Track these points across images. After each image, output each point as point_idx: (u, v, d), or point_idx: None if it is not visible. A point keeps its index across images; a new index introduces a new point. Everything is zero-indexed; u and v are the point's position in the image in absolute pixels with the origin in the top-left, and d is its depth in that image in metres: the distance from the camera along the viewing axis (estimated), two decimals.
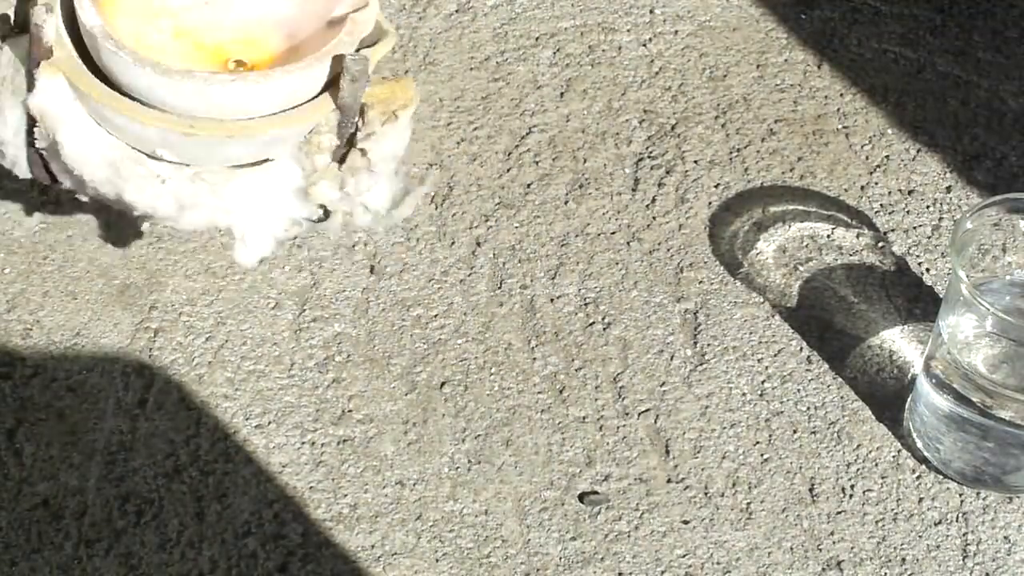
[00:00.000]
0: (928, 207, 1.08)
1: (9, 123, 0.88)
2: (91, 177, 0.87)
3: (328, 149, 0.90)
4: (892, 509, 0.94)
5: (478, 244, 1.05)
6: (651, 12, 1.19)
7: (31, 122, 0.88)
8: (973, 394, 0.91)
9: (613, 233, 1.06)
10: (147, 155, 0.89)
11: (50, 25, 0.85)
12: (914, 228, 1.07)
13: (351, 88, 0.88)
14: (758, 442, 0.97)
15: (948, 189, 1.10)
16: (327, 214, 0.91)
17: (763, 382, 0.99)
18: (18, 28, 0.89)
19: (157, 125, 0.87)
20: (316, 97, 0.89)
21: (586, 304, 1.02)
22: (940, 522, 0.94)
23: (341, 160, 0.90)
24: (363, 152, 0.89)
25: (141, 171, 0.87)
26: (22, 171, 0.91)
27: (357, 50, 0.91)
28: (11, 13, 0.90)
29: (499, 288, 1.03)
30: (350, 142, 0.90)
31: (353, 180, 0.90)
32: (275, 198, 0.89)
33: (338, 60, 0.88)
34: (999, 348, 0.92)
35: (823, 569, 0.92)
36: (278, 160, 0.89)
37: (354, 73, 0.87)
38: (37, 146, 0.89)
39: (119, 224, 1.03)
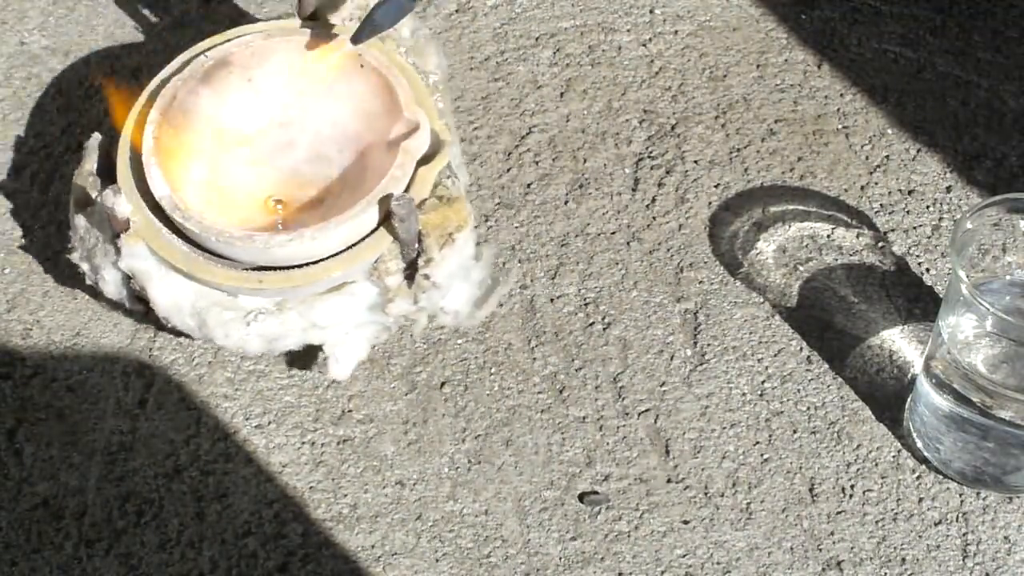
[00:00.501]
0: (928, 207, 1.08)
1: (109, 280, 0.95)
2: (182, 325, 0.93)
3: (396, 272, 0.94)
4: (892, 509, 0.94)
5: (478, 244, 1.05)
6: (651, 12, 1.19)
7: (127, 276, 0.94)
8: (973, 394, 0.91)
9: (613, 233, 1.06)
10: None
11: (121, 204, 0.91)
12: (914, 228, 1.07)
13: (403, 227, 0.92)
14: (758, 442, 0.97)
15: (948, 189, 1.10)
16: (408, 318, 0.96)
17: (763, 382, 0.99)
18: (84, 204, 0.96)
19: (229, 283, 0.92)
20: (374, 232, 0.93)
21: (586, 304, 1.02)
22: (940, 522, 0.94)
23: (410, 278, 0.94)
24: (427, 276, 0.93)
25: (228, 316, 0.92)
26: (129, 306, 0.97)
27: (416, 169, 0.94)
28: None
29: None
30: (413, 266, 0.94)
31: (424, 296, 0.94)
32: (357, 315, 0.94)
33: (387, 198, 0.92)
34: (999, 348, 0.93)
35: (823, 569, 0.92)
36: (356, 283, 0.93)
37: (401, 215, 0.91)
38: (138, 293, 0.95)
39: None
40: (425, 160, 0.95)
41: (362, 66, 0.97)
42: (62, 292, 1.01)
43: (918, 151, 1.11)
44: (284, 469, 0.94)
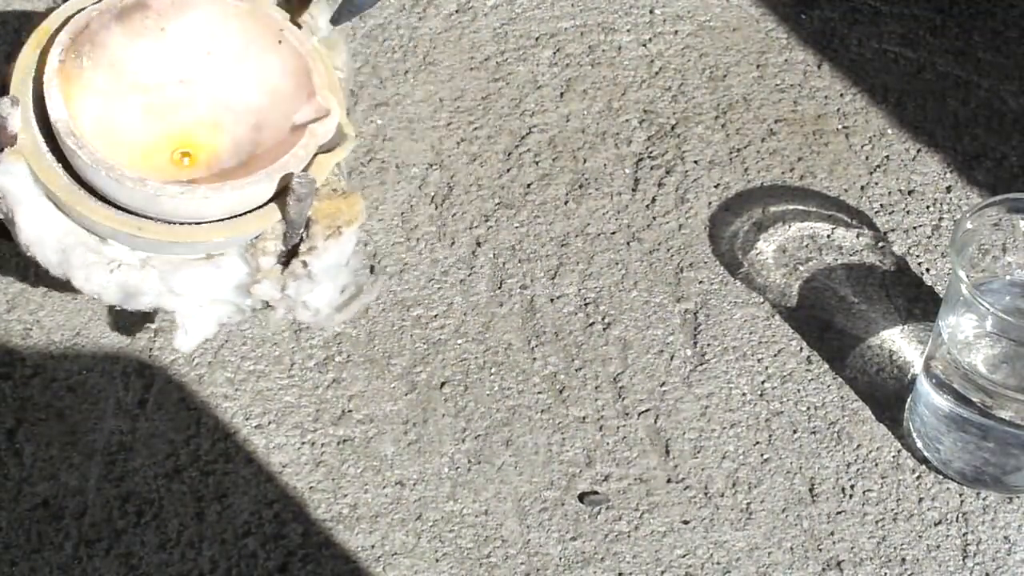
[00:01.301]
0: (928, 207, 1.08)
1: None
2: (43, 259, 0.91)
3: (273, 253, 0.92)
4: (892, 509, 0.94)
5: (478, 244, 1.05)
6: (651, 12, 1.19)
7: None
8: (973, 394, 0.91)
9: (613, 233, 1.06)
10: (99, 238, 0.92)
11: (15, 117, 0.88)
12: (914, 228, 1.07)
13: (297, 206, 0.90)
14: (758, 442, 0.97)
15: (948, 189, 1.10)
16: (269, 305, 0.94)
17: (763, 382, 0.99)
18: None
19: (107, 224, 0.89)
20: (264, 206, 0.92)
21: (586, 304, 1.02)
22: (940, 522, 0.94)
23: (285, 264, 0.93)
24: (304, 264, 0.92)
25: (92, 258, 0.90)
26: None
27: (315, 155, 0.93)
28: None
29: (499, 288, 1.03)
30: (293, 251, 0.92)
31: (294, 284, 0.92)
32: (219, 290, 0.92)
33: (287, 175, 0.91)
34: (999, 348, 0.92)
35: (823, 569, 0.92)
36: (225, 256, 0.92)
37: (300, 194, 0.90)
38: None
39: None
40: (326, 149, 0.93)
41: (280, 42, 0.95)
42: (62, 292, 1.01)
43: (918, 151, 1.11)
44: (284, 469, 0.94)
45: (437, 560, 0.91)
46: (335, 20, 0.95)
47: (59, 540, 0.90)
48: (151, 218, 0.90)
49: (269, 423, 0.96)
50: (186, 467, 0.94)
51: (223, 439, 0.95)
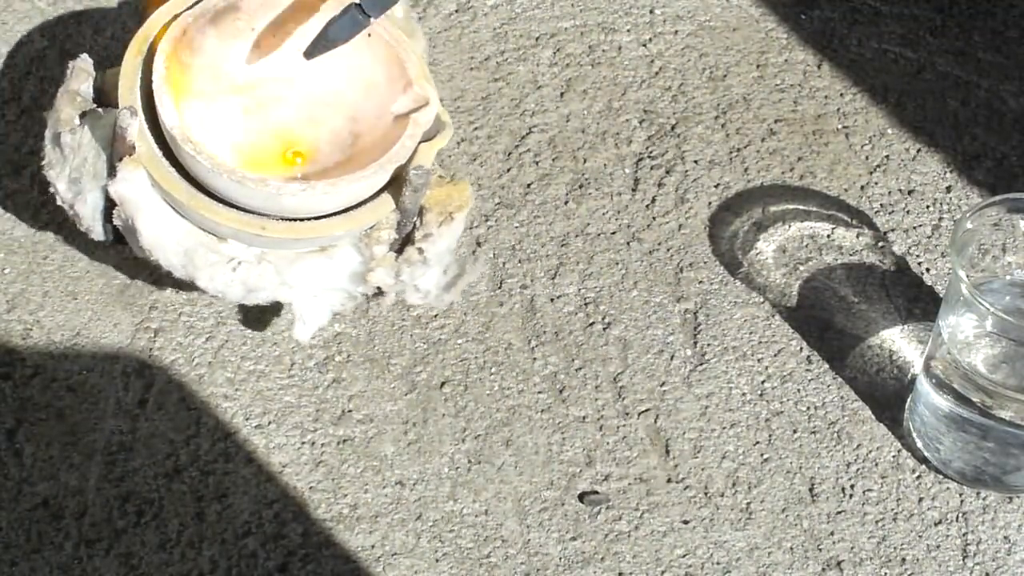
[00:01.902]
0: (928, 207, 1.08)
1: (88, 203, 0.93)
2: (166, 262, 0.92)
3: (387, 242, 0.94)
4: (892, 509, 0.94)
5: (478, 244, 1.05)
6: (651, 12, 1.19)
7: (110, 202, 0.92)
8: (973, 394, 0.91)
9: (613, 233, 1.06)
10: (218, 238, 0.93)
11: (134, 127, 0.90)
12: (914, 228, 1.07)
13: (412, 197, 0.92)
14: (758, 442, 0.97)
15: (948, 189, 1.10)
16: (381, 291, 0.95)
17: (763, 382, 0.99)
18: (96, 102, 0.94)
19: (231, 225, 0.91)
20: (377, 196, 0.93)
21: (586, 304, 1.02)
22: (940, 522, 0.94)
23: (398, 251, 0.95)
24: (420, 250, 0.94)
25: (213, 258, 0.92)
26: (97, 236, 0.95)
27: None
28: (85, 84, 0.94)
29: (499, 288, 1.03)
30: (408, 239, 0.94)
31: (408, 269, 0.94)
32: (334, 280, 0.94)
33: (400, 166, 0.92)
34: (999, 348, 0.92)
35: (823, 569, 0.92)
36: (339, 246, 0.93)
37: (416, 185, 0.92)
38: (115, 223, 0.93)
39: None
40: (426, 138, 0.95)
41: (369, 35, 0.96)
42: (62, 292, 1.01)
43: (918, 151, 1.11)
44: (284, 469, 0.94)
45: (437, 560, 0.91)
46: (308, 54, 0.95)
47: (59, 540, 0.90)
48: (270, 216, 0.91)
49: (269, 423, 0.96)
50: (186, 467, 0.94)
51: (223, 439, 0.95)
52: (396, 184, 0.93)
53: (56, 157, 0.93)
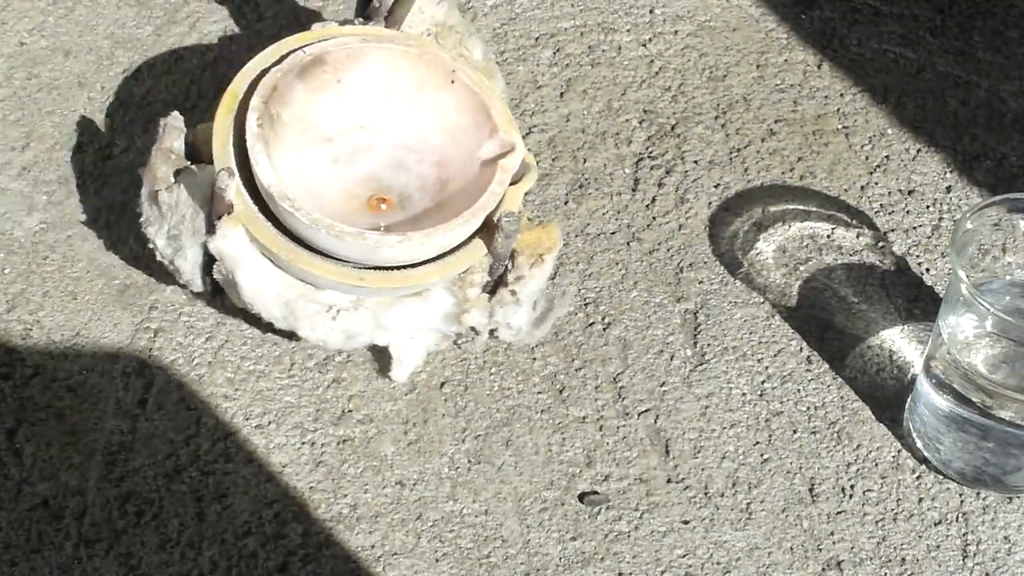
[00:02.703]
0: (928, 207, 1.08)
1: (189, 259, 0.95)
2: (267, 314, 0.94)
3: (479, 284, 0.96)
4: (892, 509, 0.94)
5: None
6: (651, 12, 1.19)
7: (209, 257, 0.94)
8: (973, 394, 0.91)
9: (613, 233, 1.06)
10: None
11: (232, 188, 0.92)
12: (914, 228, 1.07)
13: (505, 243, 0.95)
14: (758, 442, 0.97)
15: (948, 189, 1.10)
16: (475, 330, 0.98)
17: (763, 382, 0.99)
18: (188, 157, 0.97)
19: (331, 278, 0.93)
20: (469, 242, 0.95)
21: (586, 304, 1.02)
22: (940, 522, 0.94)
23: (491, 292, 0.97)
24: (513, 292, 0.96)
25: (313, 308, 0.94)
26: (197, 289, 0.97)
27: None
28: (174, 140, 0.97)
29: None
30: (500, 280, 0.97)
31: (501, 310, 0.96)
32: (428, 322, 0.96)
33: (490, 212, 0.95)
34: (999, 348, 0.92)
35: (823, 569, 0.92)
36: (434, 290, 0.95)
37: (508, 231, 0.94)
38: (215, 277, 0.95)
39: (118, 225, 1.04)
40: (512, 181, 0.97)
41: (453, 82, 0.98)
42: (62, 292, 1.01)
43: (918, 151, 1.11)
44: (284, 469, 0.94)
45: (437, 560, 0.91)
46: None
47: (59, 540, 0.90)
48: (367, 267, 0.94)
49: (269, 423, 0.96)
50: (186, 467, 0.94)
51: (223, 439, 0.95)
52: (486, 229, 0.95)
53: (154, 215, 0.95)
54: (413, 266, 0.94)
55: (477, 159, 0.97)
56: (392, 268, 0.94)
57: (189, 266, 0.96)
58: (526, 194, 1.01)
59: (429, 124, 0.99)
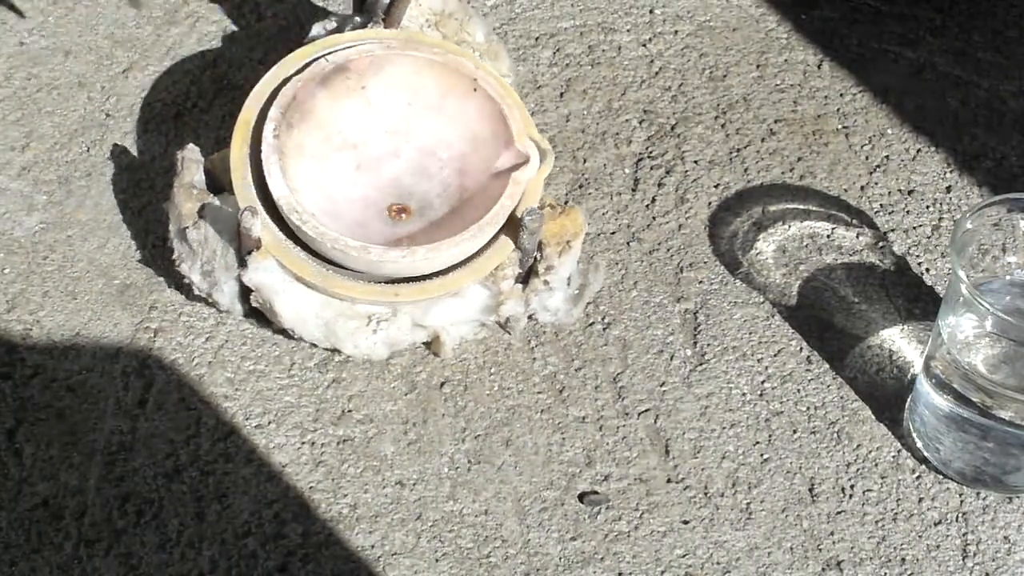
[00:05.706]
0: (928, 207, 1.08)
1: (226, 292, 0.97)
2: (309, 336, 0.97)
3: (512, 277, 0.98)
4: (892, 509, 0.94)
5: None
6: (651, 12, 1.19)
7: (245, 287, 0.96)
8: (973, 394, 0.91)
9: (613, 233, 1.06)
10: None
11: (256, 226, 0.93)
12: (914, 228, 1.07)
13: (530, 239, 0.96)
14: (758, 442, 0.97)
15: (948, 189, 1.10)
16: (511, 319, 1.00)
17: (763, 382, 0.99)
18: (208, 187, 0.99)
19: (367, 299, 0.95)
20: (495, 241, 0.97)
21: (586, 304, 1.02)
22: (940, 522, 0.94)
23: (524, 282, 0.99)
24: (545, 281, 0.98)
25: (353, 325, 0.96)
26: (239, 316, 0.99)
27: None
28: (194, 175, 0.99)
29: None
30: (531, 270, 0.98)
31: (536, 298, 0.98)
32: (468, 315, 0.98)
33: (506, 215, 0.96)
34: (999, 348, 0.93)
35: (823, 569, 0.92)
36: (467, 287, 0.97)
37: (532, 229, 0.96)
38: (253, 305, 0.97)
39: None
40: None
41: (475, 90, 0.99)
42: (62, 292, 1.01)
43: (918, 151, 1.11)
44: (284, 469, 0.94)
45: (437, 560, 0.91)
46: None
47: (59, 540, 0.90)
48: (402, 280, 0.95)
49: (269, 423, 0.96)
50: (186, 467, 0.94)
51: (223, 439, 0.95)
52: (511, 226, 0.96)
53: (185, 251, 0.97)
54: (445, 272, 0.95)
55: (494, 169, 0.98)
56: (425, 278, 0.95)
57: (227, 299, 0.98)
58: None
59: (452, 131, 1.00)
